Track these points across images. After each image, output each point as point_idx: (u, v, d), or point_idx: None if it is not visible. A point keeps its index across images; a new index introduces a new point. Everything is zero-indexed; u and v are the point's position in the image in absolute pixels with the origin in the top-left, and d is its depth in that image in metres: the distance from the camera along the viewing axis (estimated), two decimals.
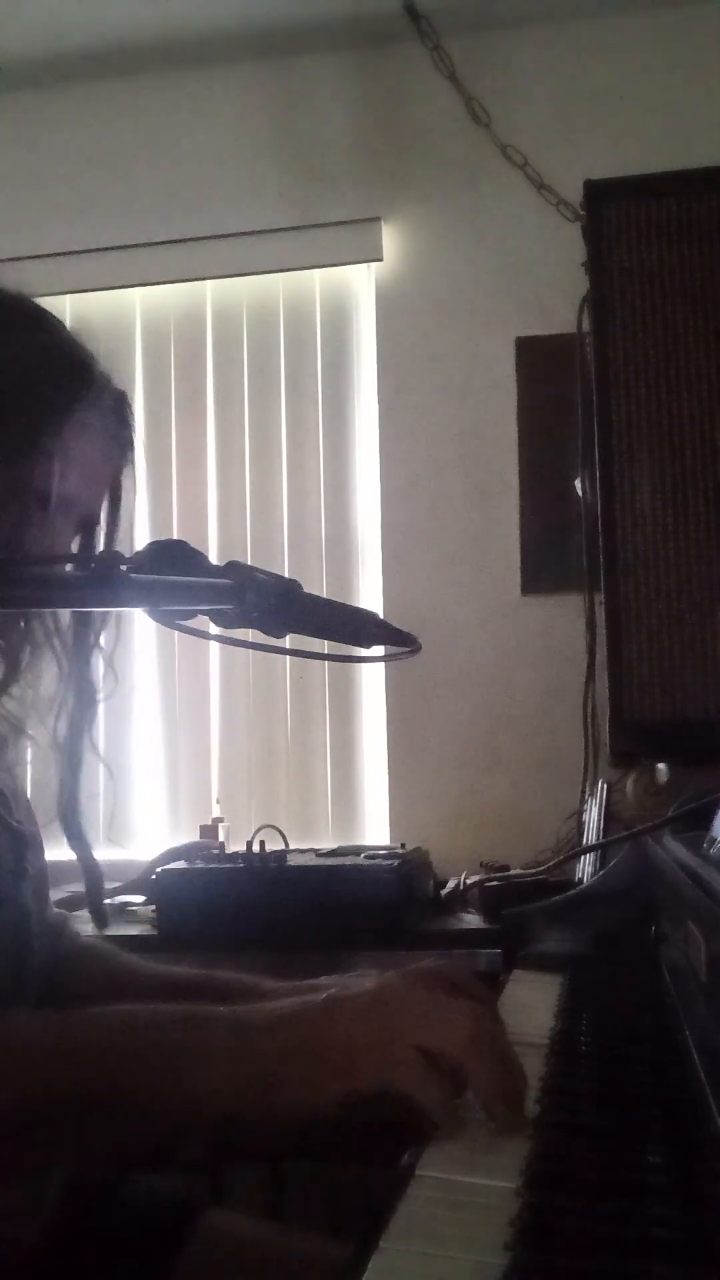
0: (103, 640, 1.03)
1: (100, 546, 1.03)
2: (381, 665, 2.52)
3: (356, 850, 2.05)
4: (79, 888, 1.09)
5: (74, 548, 1.01)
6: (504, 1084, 0.74)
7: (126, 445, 1.02)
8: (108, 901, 1.98)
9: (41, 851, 1.06)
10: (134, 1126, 0.77)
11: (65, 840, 1.04)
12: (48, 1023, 0.82)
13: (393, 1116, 0.74)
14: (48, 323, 0.99)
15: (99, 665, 1.02)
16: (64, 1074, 0.76)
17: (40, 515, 0.92)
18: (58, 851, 1.07)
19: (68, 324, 1.01)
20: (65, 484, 0.93)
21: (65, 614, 1.00)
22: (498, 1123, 0.73)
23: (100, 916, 1.06)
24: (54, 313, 1.00)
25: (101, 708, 1.04)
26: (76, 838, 1.03)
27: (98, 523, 1.03)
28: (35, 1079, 0.76)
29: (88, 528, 1.02)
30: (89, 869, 1.05)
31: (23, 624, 0.97)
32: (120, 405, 1.01)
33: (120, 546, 1.02)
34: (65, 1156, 0.79)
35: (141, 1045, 0.78)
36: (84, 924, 1.17)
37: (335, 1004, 0.77)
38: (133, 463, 1.03)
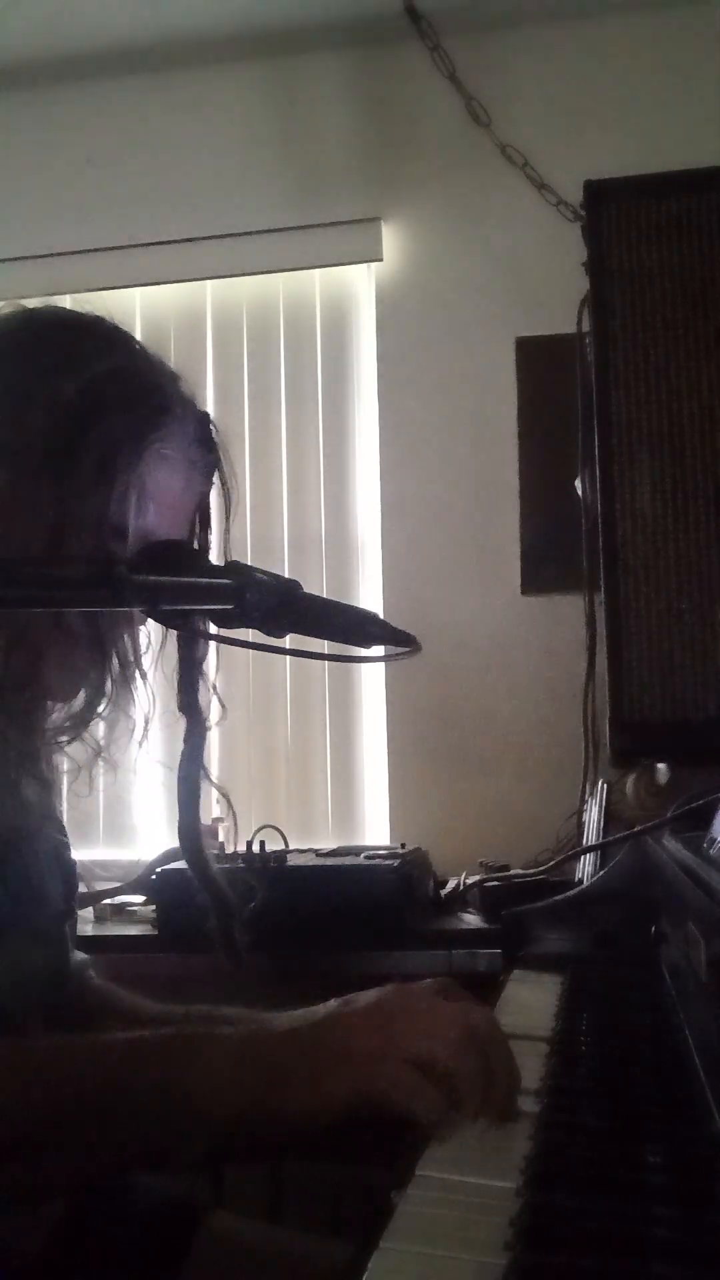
0: (207, 667, 1.01)
1: None
2: (381, 665, 2.51)
3: (356, 850, 2.05)
4: (81, 887, 1.09)
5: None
6: (493, 1090, 0.75)
7: (210, 469, 0.99)
8: (107, 902, 1.99)
9: (76, 882, 1.05)
10: (137, 1137, 0.78)
11: (191, 871, 1.02)
12: (57, 1041, 0.82)
13: (390, 1119, 0.75)
14: (124, 346, 0.96)
15: (207, 692, 1.01)
16: (70, 1087, 0.77)
17: (120, 548, 0.89)
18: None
19: None
20: (143, 516, 0.90)
21: (147, 642, 0.98)
22: (473, 1123, 0.74)
23: (233, 952, 1.03)
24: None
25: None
26: (203, 870, 1.02)
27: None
28: (44, 1090, 0.76)
29: None
30: (219, 901, 1.03)
31: (99, 665, 0.94)
32: (202, 428, 0.97)
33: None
34: (70, 1168, 0.79)
35: (146, 1059, 0.78)
36: (83, 923, 1.17)
37: (334, 1016, 0.79)
38: (224, 485, 1.00)
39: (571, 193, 2.21)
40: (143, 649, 0.98)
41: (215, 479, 1.00)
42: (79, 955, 1.11)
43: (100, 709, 0.94)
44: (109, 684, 0.94)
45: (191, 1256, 1.01)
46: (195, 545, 1.01)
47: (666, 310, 1.86)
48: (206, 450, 0.98)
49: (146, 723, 0.99)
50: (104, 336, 0.96)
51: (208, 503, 1.00)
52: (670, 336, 1.85)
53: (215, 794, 2.79)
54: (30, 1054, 0.79)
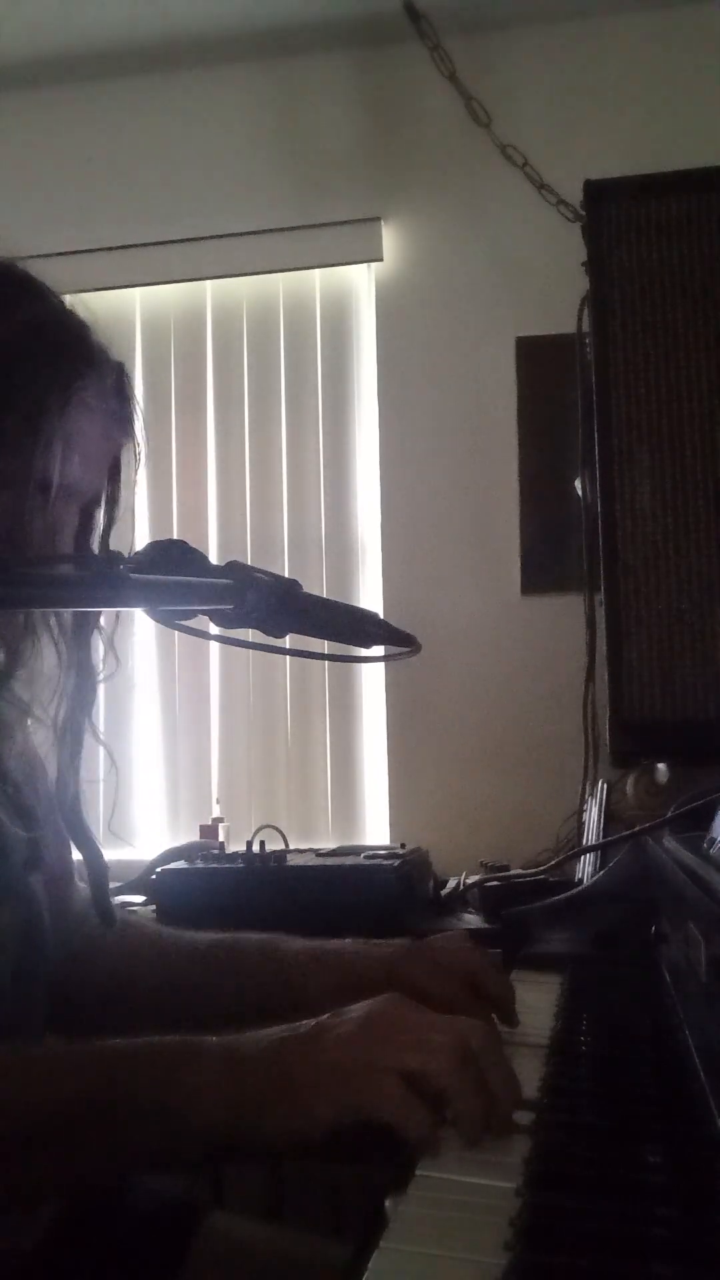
0: (102, 621, 1.00)
1: (100, 528, 0.99)
2: (381, 665, 2.52)
3: (356, 850, 2.05)
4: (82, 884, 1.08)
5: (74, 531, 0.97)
6: (486, 1108, 0.72)
7: (127, 421, 0.97)
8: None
9: (65, 843, 1.04)
10: (126, 1147, 0.77)
11: (66, 830, 1.01)
12: (38, 1054, 0.82)
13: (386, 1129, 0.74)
14: (38, 292, 0.93)
15: (99, 647, 1.00)
16: (59, 1096, 0.76)
17: (42, 502, 0.89)
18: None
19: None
20: (67, 468, 0.89)
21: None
22: (471, 1143, 0.71)
23: (106, 913, 1.04)
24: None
25: (102, 704, 1.02)
26: (76, 827, 1.00)
27: (99, 504, 0.99)
28: (27, 1106, 0.76)
29: (90, 509, 0.98)
30: (92, 861, 1.02)
31: (20, 616, 0.94)
32: (119, 378, 0.96)
33: (119, 531, 0.99)
34: (59, 1176, 0.78)
35: (135, 1071, 0.77)
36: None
37: (323, 1029, 0.77)
38: (134, 438, 0.99)
39: (571, 193, 2.21)
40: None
41: (130, 432, 0.99)
42: (77, 909, 1.09)
43: (23, 656, 0.93)
44: (27, 644, 0.94)
45: (191, 1256, 1.01)
46: (105, 498, 0.99)
47: (666, 310, 1.85)
48: (123, 402, 0.96)
49: (76, 683, 0.98)
50: (16, 284, 0.93)
51: (120, 456, 0.98)
52: (670, 336, 1.85)
53: (215, 794, 2.78)
54: (19, 1062, 0.79)
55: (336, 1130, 0.72)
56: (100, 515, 1.00)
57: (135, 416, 0.99)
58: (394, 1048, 0.73)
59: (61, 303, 0.95)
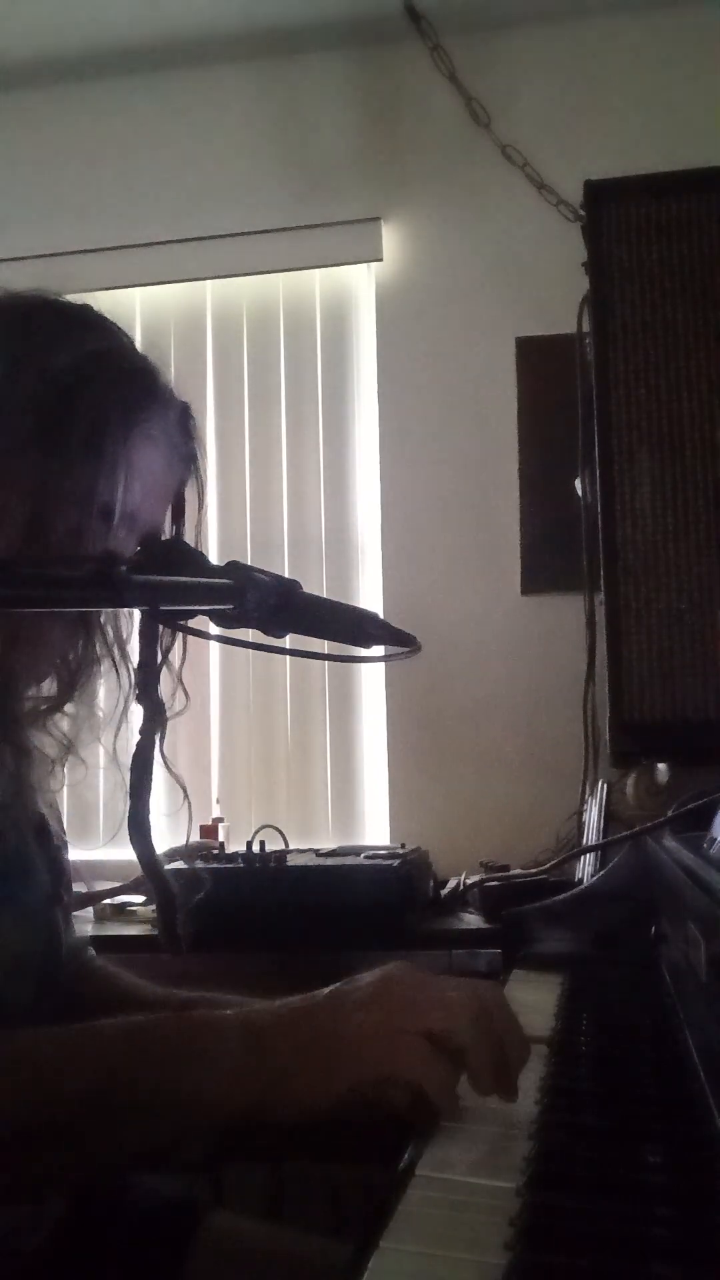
0: (173, 657, 1.01)
1: None
2: (381, 665, 2.52)
3: (356, 850, 2.05)
4: (81, 887, 1.09)
5: None
6: (499, 1061, 0.75)
7: (190, 459, 1.00)
8: (107, 902, 1.99)
9: (70, 870, 1.05)
10: (143, 1131, 0.77)
11: (138, 859, 1.02)
12: (56, 1033, 0.82)
13: (397, 1104, 0.74)
14: (111, 332, 0.97)
15: (165, 682, 1.01)
16: (73, 1081, 0.76)
17: (102, 528, 0.90)
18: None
19: None
20: (128, 496, 0.90)
21: (129, 628, 0.98)
22: (483, 1094, 0.75)
23: (174, 940, 1.03)
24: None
25: (102, 704, 1.02)
26: (149, 859, 1.02)
27: (160, 537, 1.00)
28: (45, 1086, 0.76)
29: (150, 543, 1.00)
30: (163, 891, 1.03)
31: (80, 645, 0.95)
32: (184, 418, 0.98)
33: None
34: (73, 1163, 0.78)
35: (151, 1050, 0.78)
36: (84, 924, 1.16)
37: (339, 996, 0.78)
38: (197, 476, 1.01)
39: (571, 193, 2.21)
40: (124, 634, 0.98)
41: (192, 470, 1.01)
42: (76, 937, 1.10)
43: (77, 687, 0.94)
44: (85, 664, 0.95)
45: (192, 1256, 1.01)
46: (168, 534, 1.01)
47: (666, 310, 1.86)
48: (187, 439, 0.99)
49: (122, 711, 0.99)
50: (92, 320, 0.97)
51: (184, 492, 1.00)
52: (670, 336, 1.85)
53: (215, 794, 2.79)
54: (28, 1048, 0.79)
55: (357, 1098, 0.73)
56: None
57: (199, 455, 1.01)
58: (414, 1009, 0.75)
59: (132, 342, 0.98)
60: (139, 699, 0.96)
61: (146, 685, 0.97)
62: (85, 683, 0.96)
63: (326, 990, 0.79)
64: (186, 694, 1.01)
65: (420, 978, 0.79)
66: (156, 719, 0.98)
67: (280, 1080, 0.74)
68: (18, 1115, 0.74)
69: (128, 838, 1.00)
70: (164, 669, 0.99)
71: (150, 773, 1.00)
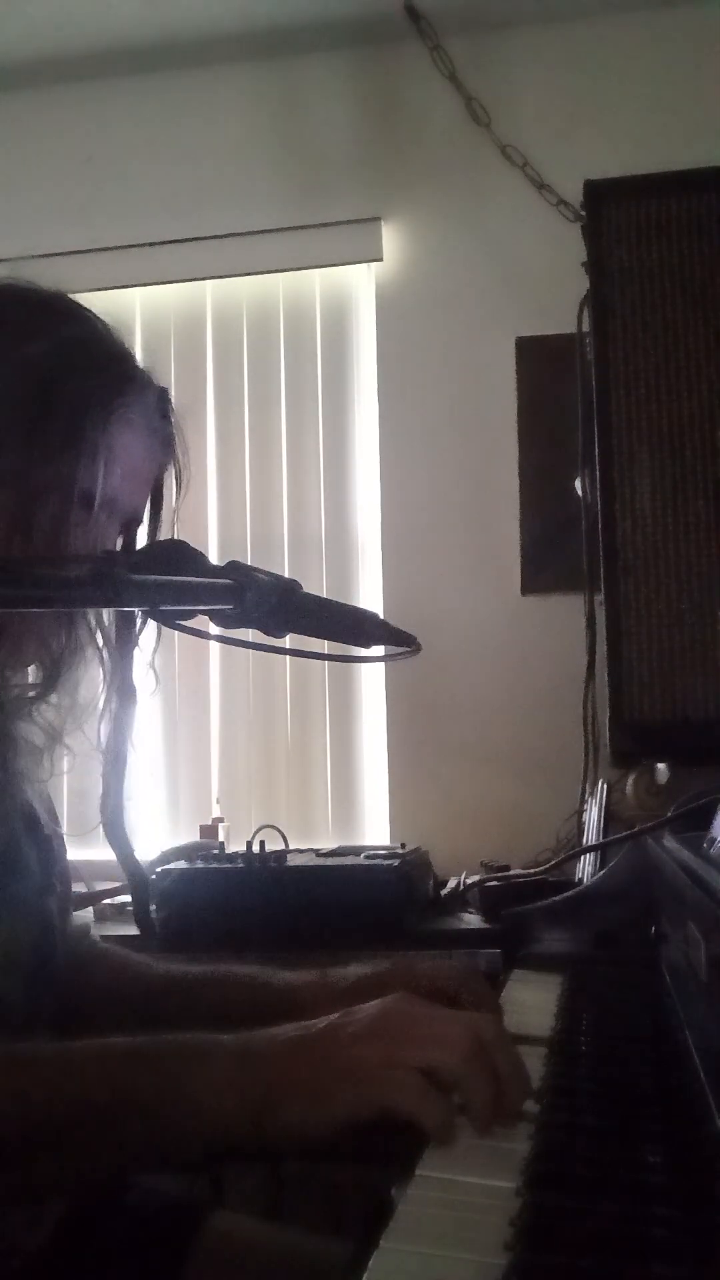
0: (143, 640, 1.01)
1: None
2: (381, 665, 2.52)
3: (356, 850, 2.05)
4: (81, 887, 1.09)
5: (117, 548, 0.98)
6: (498, 1097, 0.74)
7: (168, 442, 1.00)
8: (107, 902, 1.99)
9: (65, 860, 1.05)
10: (136, 1144, 0.77)
11: (109, 845, 1.02)
12: (48, 1050, 0.82)
13: (393, 1126, 0.74)
14: (86, 318, 0.97)
15: (138, 666, 1.01)
16: (68, 1093, 0.76)
17: (84, 515, 0.90)
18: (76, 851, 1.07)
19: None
20: (109, 482, 0.91)
21: (109, 617, 0.99)
22: (484, 1134, 0.73)
23: (147, 925, 1.04)
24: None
25: (101, 704, 1.02)
26: (121, 844, 1.02)
27: (140, 522, 1.00)
28: (37, 1105, 0.75)
29: (130, 528, 1.00)
30: (134, 876, 1.03)
31: (64, 633, 0.95)
32: (162, 401, 0.98)
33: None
34: (69, 1171, 0.78)
35: (146, 1068, 0.77)
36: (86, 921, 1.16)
37: (336, 1028, 0.77)
38: (175, 460, 1.01)
39: (571, 193, 2.21)
40: (105, 622, 0.98)
41: (171, 454, 1.01)
42: (77, 924, 1.10)
43: (61, 676, 0.94)
44: (69, 653, 0.95)
45: (192, 1256, 1.01)
46: (148, 517, 1.01)
47: (666, 310, 1.86)
48: (165, 422, 0.99)
49: (104, 699, 0.99)
50: (64, 308, 0.97)
51: (163, 476, 1.00)
52: (670, 336, 1.85)
53: (215, 794, 2.79)
54: (29, 1060, 0.79)
55: (350, 1125, 0.73)
56: (142, 534, 1.01)
57: (177, 438, 1.00)
58: (411, 1043, 0.74)
59: (107, 327, 0.97)
60: (113, 686, 0.97)
61: (120, 672, 0.98)
62: (69, 671, 0.96)
63: (324, 1021, 0.78)
64: (157, 677, 1.02)
65: (419, 1011, 0.78)
66: (128, 706, 0.98)
67: (275, 1108, 0.73)
68: (13, 1124, 0.74)
69: (102, 823, 1.00)
70: (136, 652, 0.99)
71: (124, 760, 1.00)
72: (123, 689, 1.00)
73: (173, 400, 1.00)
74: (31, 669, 0.97)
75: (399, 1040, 0.75)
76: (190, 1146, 0.77)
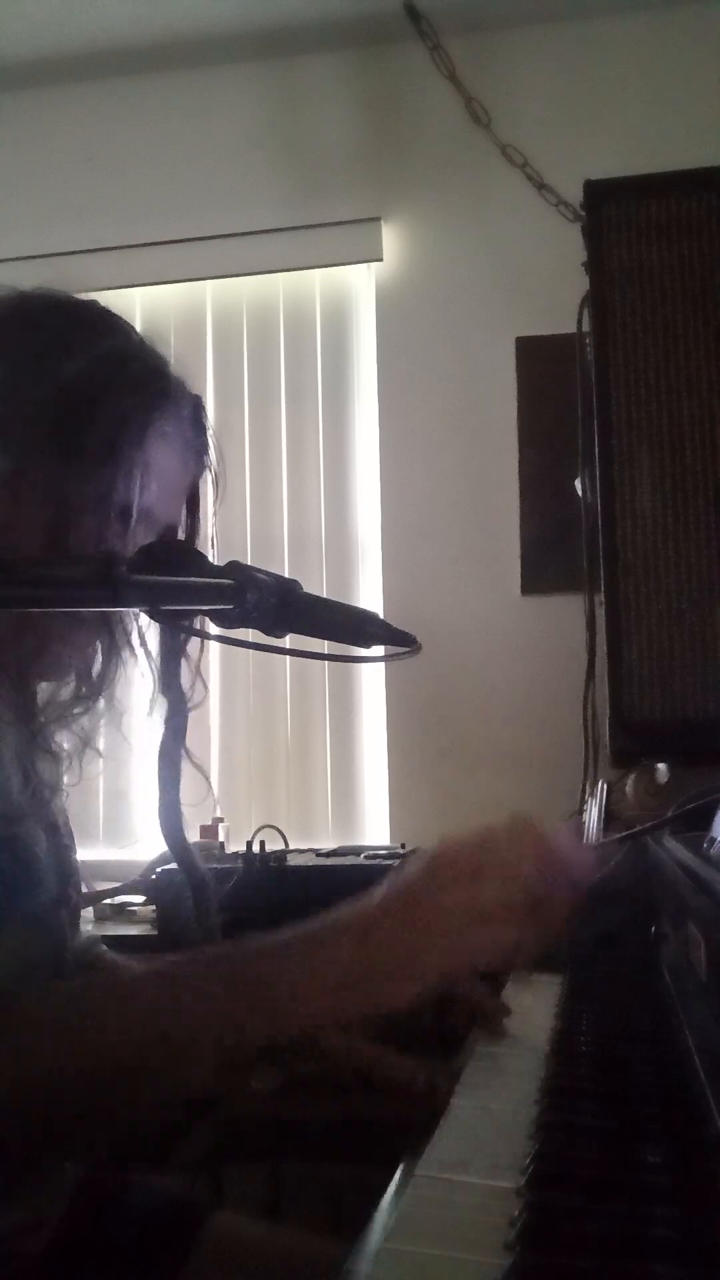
0: (190, 650, 1.01)
1: None
2: (381, 665, 2.52)
3: (356, 850, 2.05)
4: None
5: None
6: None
7: (203, 452, 1.00)
8: (107, 902, 1.99)
9: (78, 871, 1.05)
10: (239, 1035, 0.77)
11: (170, 851, 1.03)
12: (144, 969, 0.82)
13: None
14: (118, 328, 0.97)
15: (188, 673, 1.01)
16: (168, 1009, 0.76)
17: (121, 530, 0.89)
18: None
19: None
20: (145, 496, 0.90)
21: (147, 624, 0.99)
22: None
23: (209, 930, 1.04)
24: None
25: (101, 705, 1.02)
26: (182, 850, 1.02)
27: (177, 532, 1.00)
28: (139, 1021, 0.76)
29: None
30: (197, 883, 1.03)
31: (101, 640, 0.95)
32: (197, 412, 0.98)
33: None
34: (146, 1100, 0.78)
35: (245, 963, 0.80)
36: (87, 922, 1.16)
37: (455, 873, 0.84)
38: (211, 469, 1.01)
39: (571, 193, 2.22)
40: (143, 630, 0.99)
41: (207, 463, 1.01)
42: (85, 937, 1.10)
43: (103, 686, 0.94)
44: (104, 662, 0.95)
45: (192, 1256, 1.01)
46: (184, 527, 1.01)
47: (666, 310, 1.86)
48: (200, 433, 0.99)
49: (170, 710, 0.99)
50: (100, 319, 0.97)
51: (199, 484, 1.01)
52: (670, 336, 1.85)
53: (215, 794, 2.80)
54: (119, 984, 0.80)
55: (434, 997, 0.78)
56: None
57: (210, 448, 1.01)
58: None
59: (141, 338, 0.98)
60: (162, 692, 0.97)
61: (168, 678, 0.98)
62: (108, 678, 0.96)
63: (407, 882, 0.83)
64: (205, 685, 1.02)
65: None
66: (180, 711, 0.98)
67: (373, 981, 0.76)
68: (117, 1049, 0.74)
69: (159, 828, 1.01)
70: (183, 662, 1.00)
71: (179, 764, 1.01)
72: (170, 695, 1.00)
73: (207, 409, 1.00)
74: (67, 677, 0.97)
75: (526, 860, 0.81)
76: (289, 1023, 0.78)
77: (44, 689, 0.96)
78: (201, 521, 1.02)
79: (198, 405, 0.98)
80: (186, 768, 1.02)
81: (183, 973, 0.80)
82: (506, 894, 0.80)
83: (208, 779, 1.09)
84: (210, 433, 1.00)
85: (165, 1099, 0.80)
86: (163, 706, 1.00)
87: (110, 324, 0.97)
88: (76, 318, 0.95)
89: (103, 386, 0.90)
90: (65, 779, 1.00)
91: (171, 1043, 0.75)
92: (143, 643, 0.99)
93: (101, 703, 0.97)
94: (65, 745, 0.98)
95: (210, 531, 1.03)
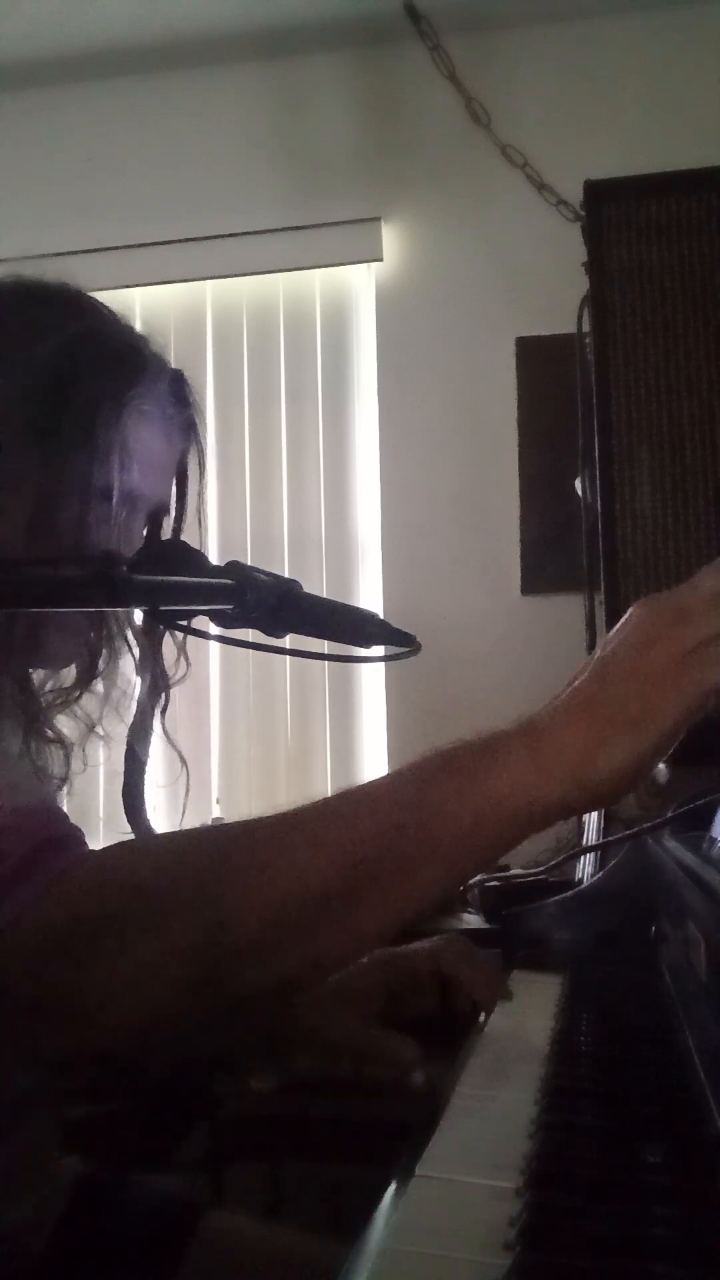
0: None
1: (167, 536, 0.99)
2: (381, 665, 2.51)
3: None
4: None
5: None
6: None
7: (188, 427, 0.98)
8: None
9: None
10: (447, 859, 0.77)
11: (130, 830, 1.01)
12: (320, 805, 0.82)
13: None
14: (92, 308, 0.95)
15: (170, 650, 1.00)
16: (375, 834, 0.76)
17: (105, 512, 0.88)
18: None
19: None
20: (128, 477, 0.89)
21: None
22: None
23: None
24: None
25: (102, 704, 1.01)
26: (142, 830, 1.02)
27: (168, 513, 0.99)
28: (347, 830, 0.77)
29: (158, 517, 0.98)
30: None
31: (99, 627, 0.95)
32: (178, 385, 0.96)
33: (187, 536, 0.99)
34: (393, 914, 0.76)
35: (441, 780, 0.80)
36: None
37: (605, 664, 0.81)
38: (198, 444, 0.99)
39: (571, 193, 2.22)
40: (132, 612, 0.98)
41: (193, 438, 0.99)
42: None
43: (101, 668, 0.94)
44: (105, 644, 0.94)
45: (191, 1256, 1.01)
46: (174, 505, 1.00)
47: (666, 310, 1.86)
48: (182, 407, 0.97)
49: (148, 688, 0.98)
50: (70, 300, 0.95)
51: (186, 461, 0.99)
52: (670, 336, 1.85)
53: (215, 794, 2.78)
54: (316, 811, 0.80)
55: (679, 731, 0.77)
56: (169, 523, 1.00)
57: (196, 422, 0.99)
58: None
59: (115, 316, 0.96)
60: (139, 670, 0.96)
61: (150, 653, 0.97)
62: (109, 663, 0.95)
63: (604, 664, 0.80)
64: (188, 662, 1.00)
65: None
66: (158, 687, 0.97)
67: (603, 744, 0.75)
68: (336, 862, 0.74)
69: (125, 811, 1.00)
70: (167, 636, 0.98)
71: (148, 741, 1.00)
72: (153, 673, 0.98)
73: (188, 381, 0.98)
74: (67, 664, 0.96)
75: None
76: (509, 836, 0.78)
77: (40, 676, 0.95)
78: (191, 498, 1.00)
79: (178, 379, 0.96)
80: (167, 748, 1.01)
81: (410, 772, 0.80)
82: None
83: (184, 762, 1.08)
84: (194, 406, 0.98)
85: (412, 906, 0.78)
86: (141, 684, 0.98)
87: (82, 305, 0.95)
88: (47, 301, 0.94)
89: (76, 368, 0.88)
90: (70, 767, 0.99)
91: (411, 836, 0.75)
92: (131, 623, 0.98)
93: (101, 687, 0.96)
94: (66, 733, 0.97)
95: (203, 512, 1.01)
